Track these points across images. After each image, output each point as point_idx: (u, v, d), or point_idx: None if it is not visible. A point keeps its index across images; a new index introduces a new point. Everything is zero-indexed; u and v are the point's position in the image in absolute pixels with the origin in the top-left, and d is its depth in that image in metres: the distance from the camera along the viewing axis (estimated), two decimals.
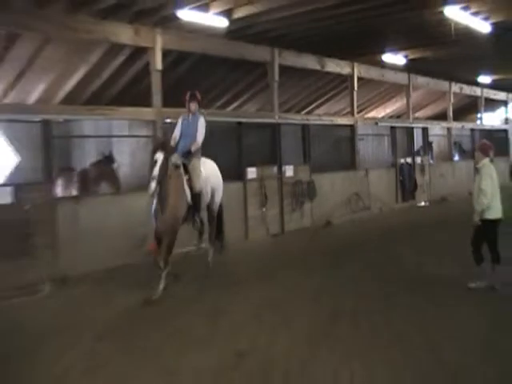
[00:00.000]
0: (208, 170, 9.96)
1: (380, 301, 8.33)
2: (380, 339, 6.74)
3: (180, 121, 10.01)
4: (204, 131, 9.82)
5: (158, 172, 8.36)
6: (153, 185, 8.29)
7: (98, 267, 10.25)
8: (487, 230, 8.67)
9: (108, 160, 13.47)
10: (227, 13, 11.82)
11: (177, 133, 9.93)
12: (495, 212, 8.65)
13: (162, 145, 8.80)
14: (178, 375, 5.93)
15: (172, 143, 9.66)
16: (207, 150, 10.25)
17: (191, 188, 9.37)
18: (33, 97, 14.32)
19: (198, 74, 15.75)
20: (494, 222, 8.66)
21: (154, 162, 8.44)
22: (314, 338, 6.89)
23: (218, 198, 10.33)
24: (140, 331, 7.30)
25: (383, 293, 8.73)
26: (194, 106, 9.81)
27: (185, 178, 9.32)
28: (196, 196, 9.46)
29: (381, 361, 6.08)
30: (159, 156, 8.47)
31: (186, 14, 11.38)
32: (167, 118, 12.25)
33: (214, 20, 11.87)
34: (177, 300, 8.64)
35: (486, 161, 8.81)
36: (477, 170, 8.91)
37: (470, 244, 8.83)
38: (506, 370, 5.76)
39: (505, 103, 31.64)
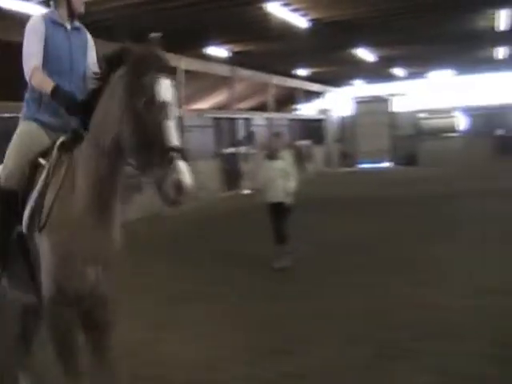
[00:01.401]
0: None
1: (219, 284, 8.72)
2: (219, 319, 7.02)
3: (42, 27, 3.83)
4: None
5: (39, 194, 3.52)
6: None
7: None
8: (287, 212, 9.39)
9: None
10: None
11: (38, 57, 3.82)
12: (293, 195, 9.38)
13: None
14: None
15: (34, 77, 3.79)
16: None
17: None
18: None
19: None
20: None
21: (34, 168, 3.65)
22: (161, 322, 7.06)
23: None
24: None
25: (223, 276, 9.17)
26: (80, 1, 4.00)
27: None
28: None
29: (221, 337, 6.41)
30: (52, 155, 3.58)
31: None
32: None
33: None
34: None
35: (285, 148, 9.56)
36: (272, 156, 9.54)
37: (272, 227, 9.51)
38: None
39: (321, 94, 33.57)
